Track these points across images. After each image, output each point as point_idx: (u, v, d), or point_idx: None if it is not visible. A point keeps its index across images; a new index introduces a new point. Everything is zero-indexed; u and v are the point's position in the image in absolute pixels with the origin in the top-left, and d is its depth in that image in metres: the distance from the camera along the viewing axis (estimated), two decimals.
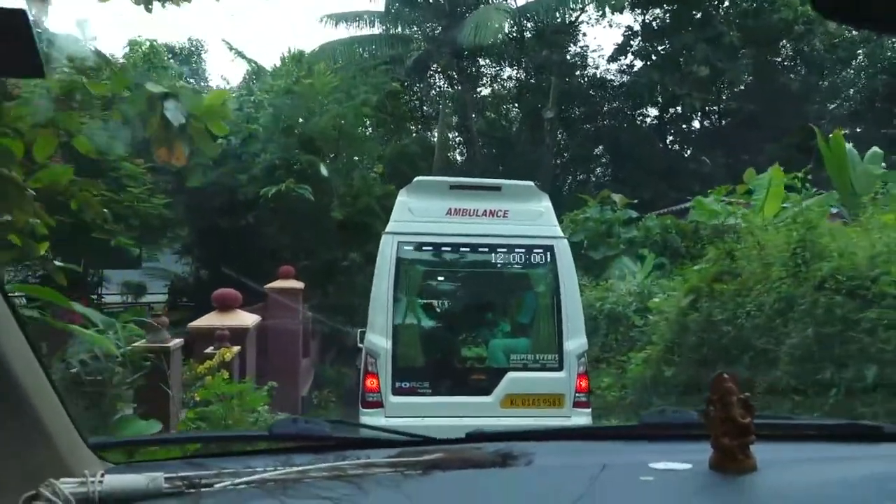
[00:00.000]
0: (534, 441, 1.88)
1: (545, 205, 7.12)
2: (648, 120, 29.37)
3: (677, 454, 1.63)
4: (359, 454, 1.62)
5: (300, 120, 16.22)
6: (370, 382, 6.52)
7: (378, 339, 6.59)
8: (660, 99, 28.64)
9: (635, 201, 15.13)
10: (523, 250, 6.95)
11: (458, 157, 32.17)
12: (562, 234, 7.19)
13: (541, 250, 6.94)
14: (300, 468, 1.50)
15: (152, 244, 15.42)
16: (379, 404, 6.46)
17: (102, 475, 1.38)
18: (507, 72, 31.44)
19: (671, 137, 29.26)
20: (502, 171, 29.55)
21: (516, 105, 31.11)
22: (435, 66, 28.04)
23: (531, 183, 7.45)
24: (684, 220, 14.82)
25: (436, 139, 28.58)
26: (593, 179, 29.19)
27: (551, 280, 6.92)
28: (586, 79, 29.97)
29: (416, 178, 7.49)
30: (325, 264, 17.73)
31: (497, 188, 7.29)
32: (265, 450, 1.84)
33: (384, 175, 17.98)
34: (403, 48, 24.62)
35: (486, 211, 6.91)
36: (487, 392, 6.61)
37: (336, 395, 17.23)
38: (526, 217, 6.94)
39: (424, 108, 31.58)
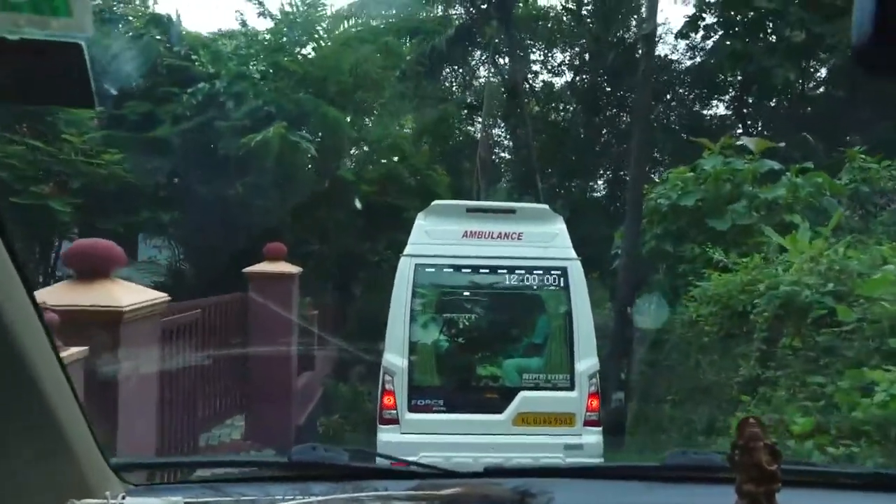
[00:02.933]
0: (553, 478, 1.77)
1: (559, 227, 6.98)
2: (726, 98, 24.14)
3: (700, 498, 1.55)
4: (377, 485, 1.55)
5: (303, 54, 11.60)
6: (387, 400, 6.48)
7: (395, 357, 6.56)
8: (733, 79, 23.55)
9: (781, 144, 10.06)
10: (537, 272, 6.80)
11: (505, 150, 27.46)
12: (575, 256, 6.91)
13: (554, 272, 6.78)
14: (319, 498, 1.45)
15: (103, 216, 10.89)
16: (395, 421, 6.42)
17: (123, 497, 1.34)
18: (559, 56, 26.73)
19: (752, 117, 23.96)
20: (557, 158, 24.99)
21: (569, 90, 26.22)
22: (479, 39, 23.37)
23: (545, 206, 7.54)
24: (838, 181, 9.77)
25: (480, 124, 23.97)
26: (660, 172, 24.24)
27: (564, 301, 6.76)
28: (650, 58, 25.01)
29: (433, 202, 7.46)
30: (338, 249, 13.04)
31: (512, 211, 7.22)
32: (283, 477, 1.74)
33: (412, 129, 13.22)
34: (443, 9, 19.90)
35: (500, 233, 6.84)
36: (500, 410, 6.49)
37: (351, 423, 12.45)
38: (540, 239, 6.84)
39: (467, 96, 26.96)
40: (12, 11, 0.92)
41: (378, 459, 2.12)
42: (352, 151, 13.17)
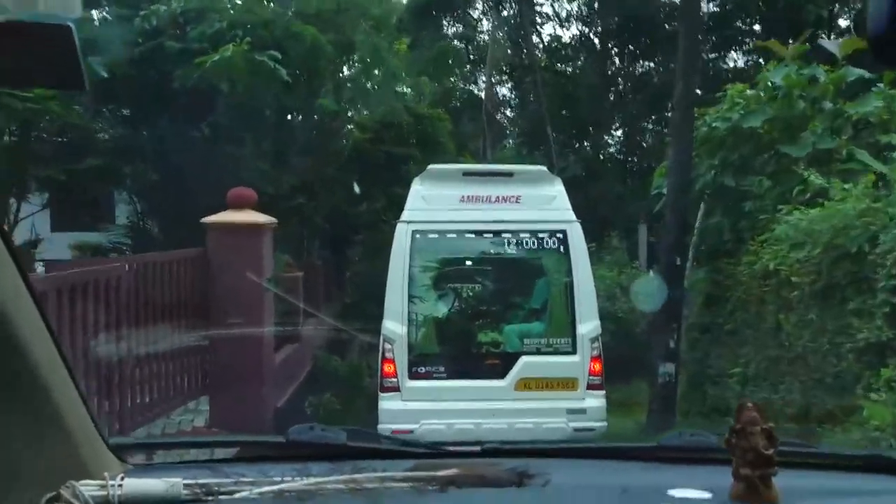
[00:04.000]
0: (550, 458, 1.78)
1: (558, 189, 6.72)
2: (749, 43, 21.72)
3: (696, 479, 1.49)
4: (375, 465, 1.55)
5: None
6: (387, 368, 6.34)
7: (394, 325, 6.39)
8: (754, 24, 21.19)
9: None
10: (536, 235, 6.59)
11: (513, 105, 25.21)
12: (574, 219, 6.57)
13: (553, 235, 6.56)
14: (317, 479, 1.44)
15: (38, 163, 8.83)
16: (396, 389, 6.28)
17: (122, 478, 1.31)
18: (566, 9, 24.30)
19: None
20: (568, 112, 22.74)
21: (579, 39, 23.85)
22: None
23: (543, 168, 7.36)
24: None
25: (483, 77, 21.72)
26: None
27: (564, 264, 6.53)
28: (666, 9, 22.51)
29: (429, 167, 7.19)
30: (327, 202, 10.97)
31: (509, 174, 6.99)
32: (281, 456, 1.71)
33: (408, 53, 11.02)
34: None
35: (498, 197, 6.61)
36: (502, 376, 6.31)
37: (345, 401, 10.50)
38: (538, 202, 6.60)
39: (470, 52, 24.62)
40: None
41: (376, 439, 1.94)
42: (344, 97, 10.98)
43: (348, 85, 10.53)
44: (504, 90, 26.01)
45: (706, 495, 1.43)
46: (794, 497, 1.38)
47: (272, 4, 10.00)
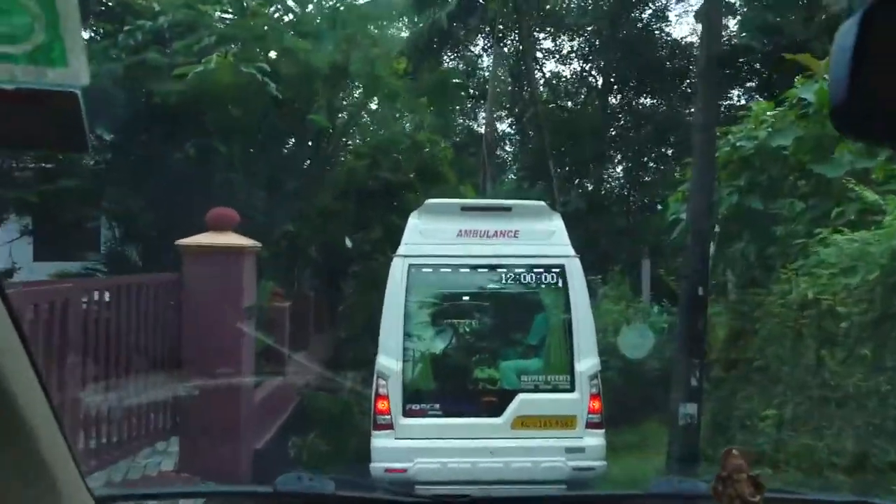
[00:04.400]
0: None
1: (556, 224, 6.60)
2: (755, 81, 21.35)
3: None
4: None
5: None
6: (381, 405, 6.09)
7: (389, 360, 6.18)
8: (758, 60, 20.86)
9: None
10: (534, 270, 6.42)
11: (514, 139, 24.79)
12: (573, 254, 6.42)
13: (552, 270, 6.39)
14: None
15: (4, 184, 8.15)
16: (390, 426, 6.04)
17: None
18: (569, 41, 24.07)
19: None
20: (565, 150, 22.24)
21: (580, 73, 23.52)
22: (480, 24, 20.73)
23: (542, 203, 7.23)
24: None
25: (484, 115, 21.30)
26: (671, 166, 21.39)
27: (563, 300, 6.35)
28: (667, 45, 22.23)
29: (426, 201, 7.07)
30: (319, 229, 10.25)
31: (508, 209, 6.82)
32: None
33: (406, 72, 10.43)
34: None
35: (496, 232, 6.49)
36: (498, 414, 6.09)
37: (330, 441, 9.66)
38: (537, 237, 6.47)
39: (471, 87, 24.25)
40: (9, 62, 0.90)
41: (364, 487, 2.03)
42: (339, 118, 10.37)
43: (343, 113, 9.91)
44: (504, 125, 25.68)
45: None
46: None
47: (266, 27, 9.42)
